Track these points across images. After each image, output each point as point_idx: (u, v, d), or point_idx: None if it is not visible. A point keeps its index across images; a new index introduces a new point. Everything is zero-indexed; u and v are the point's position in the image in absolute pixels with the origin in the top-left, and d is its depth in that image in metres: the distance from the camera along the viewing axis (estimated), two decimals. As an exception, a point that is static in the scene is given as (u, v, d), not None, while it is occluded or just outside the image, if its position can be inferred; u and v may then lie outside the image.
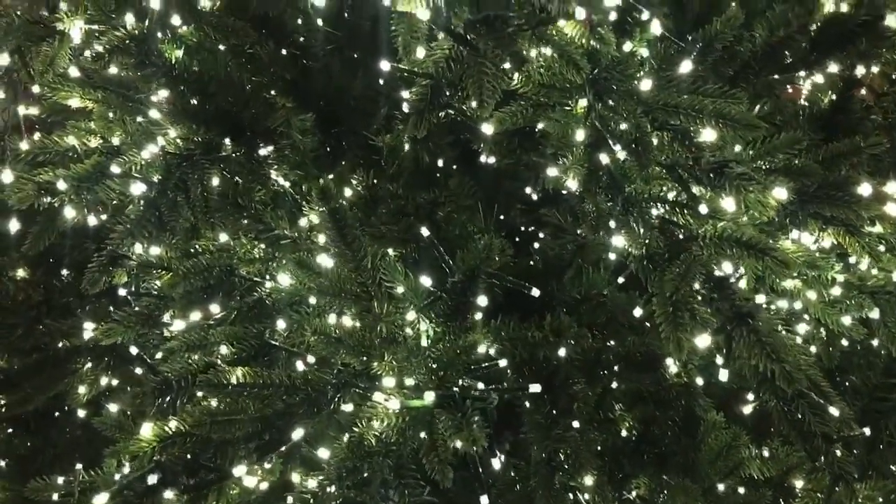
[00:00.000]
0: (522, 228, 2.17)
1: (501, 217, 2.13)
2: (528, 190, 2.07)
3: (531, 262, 2.00)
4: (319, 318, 1.54)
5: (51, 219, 1.98)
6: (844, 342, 2.41)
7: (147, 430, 1.36)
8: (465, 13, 1.39)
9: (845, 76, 2.37)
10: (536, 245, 2.08)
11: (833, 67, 2.30)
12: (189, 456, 1.35)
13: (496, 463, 1.28)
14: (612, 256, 1.70)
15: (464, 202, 2.09)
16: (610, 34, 1.54)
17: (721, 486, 2.03)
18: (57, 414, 2.45)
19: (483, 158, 2.09)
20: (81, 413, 2.26)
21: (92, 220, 1.94)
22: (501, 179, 2.19)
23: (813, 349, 2.37)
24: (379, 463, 1.38)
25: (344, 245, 1.46)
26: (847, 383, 2.46)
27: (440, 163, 2.18)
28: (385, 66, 1.60)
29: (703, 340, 1.59)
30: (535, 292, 1.56)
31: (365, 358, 1.42)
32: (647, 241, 1.50)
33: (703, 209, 1.49)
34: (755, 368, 1.83)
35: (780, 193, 1.49)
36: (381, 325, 1.41)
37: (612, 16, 1.62)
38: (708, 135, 1.45)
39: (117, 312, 1.72)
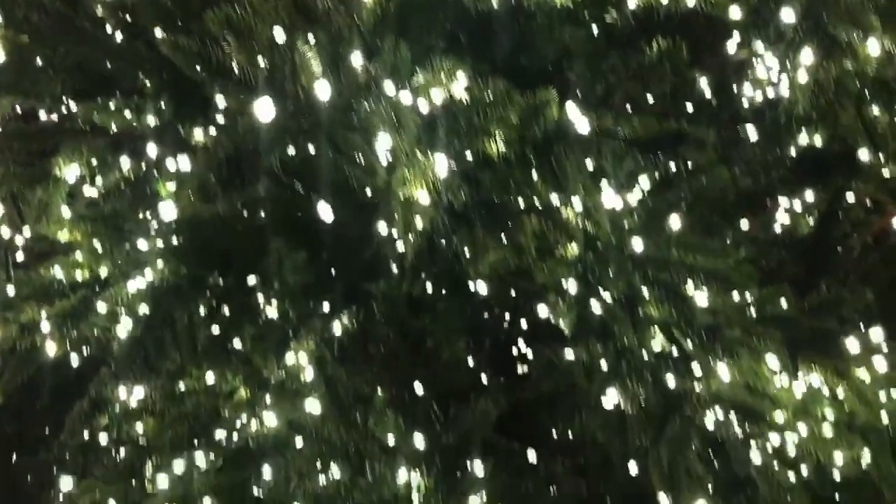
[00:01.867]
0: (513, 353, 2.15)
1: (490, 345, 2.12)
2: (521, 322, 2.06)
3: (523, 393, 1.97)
4: (307, 474, 1.49)
5: (31, 355, 1.94)
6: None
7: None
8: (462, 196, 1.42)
9: (824, 205, 2.44)
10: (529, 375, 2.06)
11: (810, 196, 2.38)
12: None
13: None
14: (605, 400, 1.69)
15: (452, 327, 2.09)
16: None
17: None
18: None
19: (472, 287, 2.10)
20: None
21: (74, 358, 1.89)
22: (491, 308, 2.19)
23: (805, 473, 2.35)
24: None
25: (331, 397, 1.43)
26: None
27: (429, 288, 2.19)
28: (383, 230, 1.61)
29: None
30: (532, 456, 1.54)
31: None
32: (641, 396, 1.49)
33: (697, 368, 1.49)
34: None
35: (774, 362, 1.50)
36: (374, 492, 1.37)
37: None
38: (700, 298, 1.47)
39: (98, 467, 1.66)
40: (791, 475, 1.98)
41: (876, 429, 1.97)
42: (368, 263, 1.81)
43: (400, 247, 1.63)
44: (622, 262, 1.57)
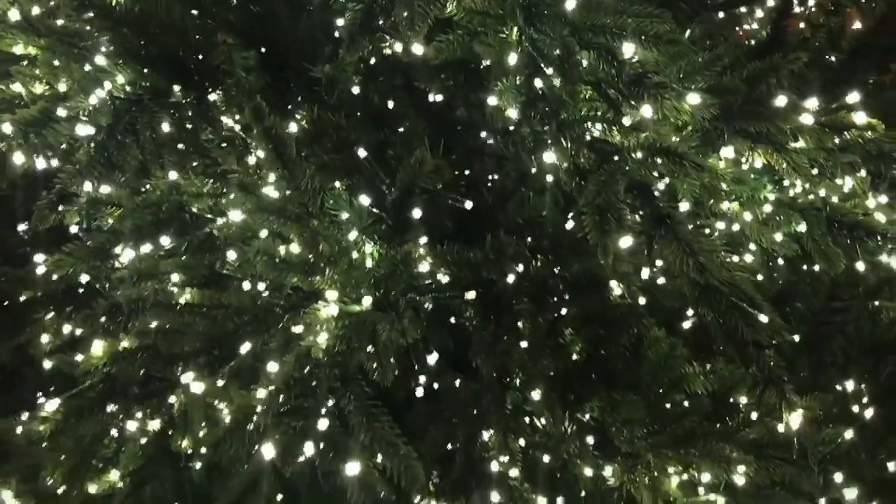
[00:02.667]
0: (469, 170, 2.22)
1: (452, 157, 2.18)
2: (480, 133, 2.12)
3: (478, 196, 2.06)
4: (266, 243, 1.59)
5: (0, 166, 2.00)
6: (785, 271, 2.53)
7: (97, 347, 1.41)
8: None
9: (780, 8, 2.44)
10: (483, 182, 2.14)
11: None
12: (140, 370, 1.41)
13: (432, 359, 1.35)
14: (550, 179, 1.77)
15: (413, 143, 2.15)
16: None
17: (667, 404, 2.13)
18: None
19: (431, 98, 2.14)
20: (47, 365, 2.30)
21: (42, 165, 1.96)
22: (450, 122, 2.24)
23: (759, 277, 2.49)
24: (326, 373, 1.44)
25: (284, 167, 1.51)
26: (791, 310, 2.58)
27: (391, 105, 2.23)
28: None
29: (626, 242, 1.67)
30: (468, 204, 1.63)
31: (309, 278, 1.48)
32: (574, 154, 1.56)
33: (627, 121, 1.55)
34: (691, 283, 1.92)
35: (695, 99, 1.56)
36: (323, 244, 1.47)
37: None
38: (630, 51, 1.51)
39: (68, 245, 1.76)
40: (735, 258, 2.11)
41: (814, 207, 2.07)
42: (318, 54, 1.84)
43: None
44: (559, 30, 1.61)
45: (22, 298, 2.28)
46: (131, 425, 2.05)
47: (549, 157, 1.62)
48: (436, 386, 2.20)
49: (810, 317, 2.58)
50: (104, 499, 2.20)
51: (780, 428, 1.98)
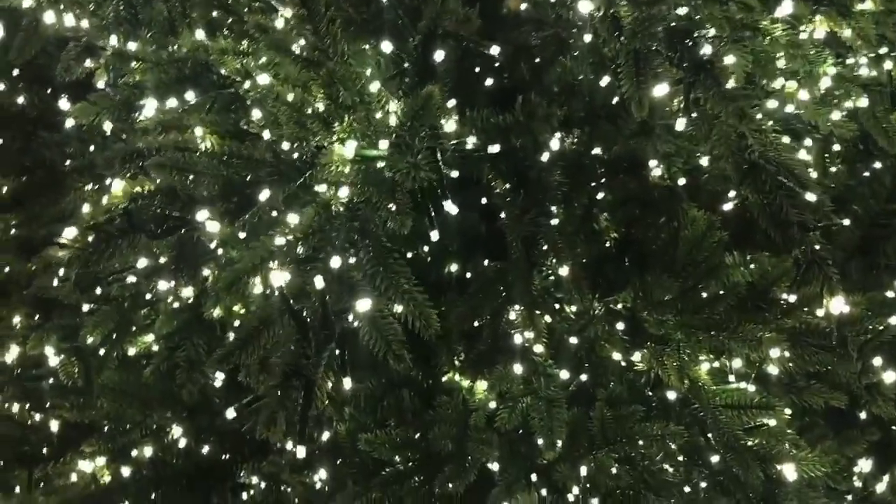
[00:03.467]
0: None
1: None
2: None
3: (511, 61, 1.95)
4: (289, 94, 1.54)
5: (33, 27, 1.99)
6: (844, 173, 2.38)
7: (118, 187, 1.41)
8: None
9: None
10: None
11: None
12: (158, 210, 1.41)
13: (450, 206, 1.31)
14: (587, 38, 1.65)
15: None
16: None
17: (702, 292, 2.06)
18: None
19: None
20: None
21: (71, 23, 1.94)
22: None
23: (813, 174, 2.35)
24: (345, 225, 1.42)
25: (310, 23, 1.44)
26: (847, 212, 2.44)
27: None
28: None
29: (662, 90, 1.56)
30: (495, 49, 1.54)
31: (330, 128, 1.43)
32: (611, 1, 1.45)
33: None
34: (735, 163, 1.82)
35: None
36: (343, 93, 1.41)
37: None
38: None
39: (92, 94, 1.75)
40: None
41: (878, 83, 1.92)
42: None
43: None
44: None
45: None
46: (163, 287, 2.10)
47: (585, 5, 1.51)
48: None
49: (867, 219, 2.45)
50: (140, 359, 2.28)
51: (820, 313, 1.90)
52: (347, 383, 1.24)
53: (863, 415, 2.25)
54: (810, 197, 1.77)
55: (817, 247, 1.79)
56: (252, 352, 1.19)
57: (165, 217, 1.38)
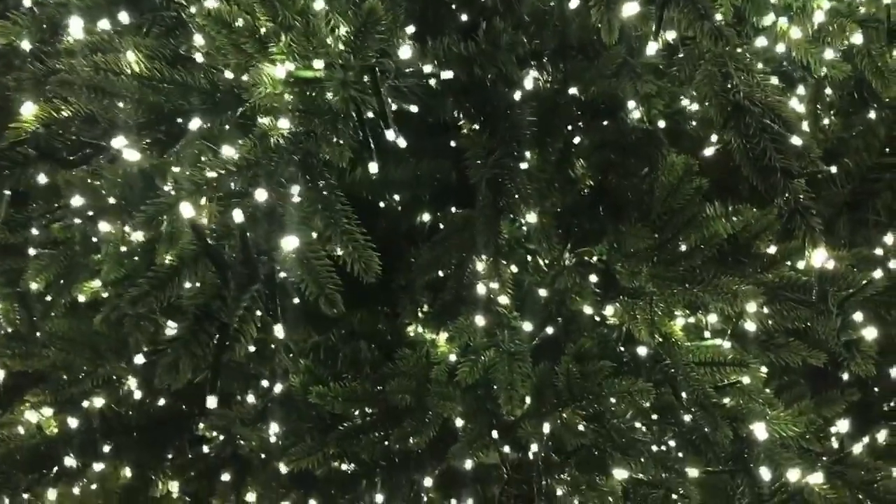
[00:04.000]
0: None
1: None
2: None
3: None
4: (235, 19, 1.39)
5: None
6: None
7: (28, 109, 1.27)
8: None
9: None
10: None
11: None
12: (73, 136, 1.28)
13: (391, 134, 1.19)
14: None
15: None
16: None
17: (680, 244, 1.95)
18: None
19: None
20: None
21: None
22: None
23: (805, 126, 2.22)
24: (285, 158, 1.29)
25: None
26: (839, 165, 2.33)
27: None
28: None
29: (632, 9, 1.42)
30: None
31: (266, 48, 1.29)
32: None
33: None
34: (719, 104, 1.69)
35: None
36: (283, 12, 1.27)
37: None
38: None
39: (12, 11, 1.59)
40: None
41: (875, 18, 1.78)
42: None
43: None
44: None
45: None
46: (105, 228, 1.97)
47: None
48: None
49: (859, 173, 2.33)
50: (91, 306, 2.17)
51: (801, 266, 1.79)
52: (280, 332, 1.13)
53: (845, 375, 2.19)
54: (796, 141, 1.64)
55: (801, 196, 1.67)
56: (167, 293, 1.08)
57: (81, 143, 1.25)
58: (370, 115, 1.20)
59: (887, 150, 2.34)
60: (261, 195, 1.20)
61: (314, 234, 1.22)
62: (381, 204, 2.09)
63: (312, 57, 1.23)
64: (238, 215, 1.09)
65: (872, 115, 2.36)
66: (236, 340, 1.02)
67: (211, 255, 1.05)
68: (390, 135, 1.17)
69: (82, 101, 1.25)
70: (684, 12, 1.40)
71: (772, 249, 1.87)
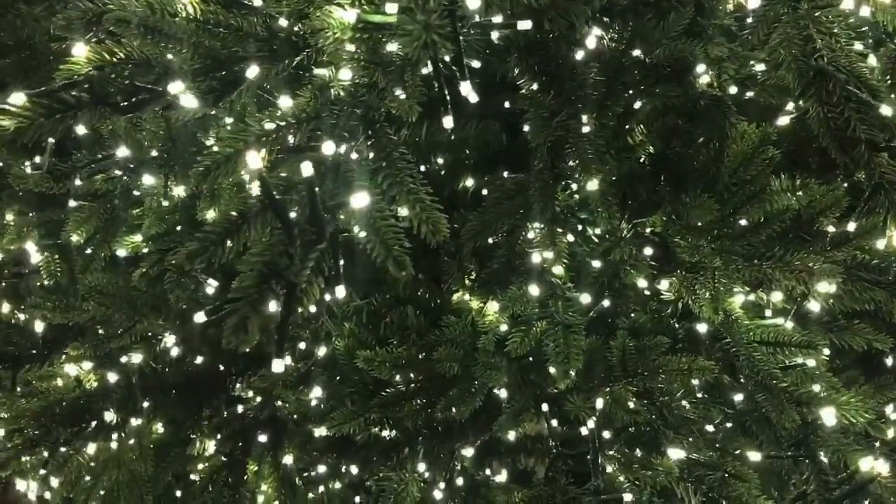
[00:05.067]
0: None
1: None
2: None
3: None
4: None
5: None
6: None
7: (80, 51, 1.21)
8: None
9: None
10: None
11: None
12: (126, 81, 1.21)
13: (465, 88, 1.10)
14: None
15: None
16: None
17: (743, 217, 1.85)
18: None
19: None
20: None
21: None
22: None
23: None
24: (345, 112, 1.21)
25: None
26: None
27: None
28: None
29: None
30: None
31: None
32: None
33: None
34: (798, 70, 1.58)
35: None
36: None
37: None
38: None
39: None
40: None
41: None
42: None
43: None
44: None
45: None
46: (149, 182, 1.92)
47: None
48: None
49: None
50: (132, 261, 2.13)
51: (881, 246, 1.69)
52: (341, 292, 1.07)
53: (889, 360, 2.09)
54: (885, 111, 1.53)
55: (884, 170, 1.56)
56: (229, 250, 1.02)
57: (135, 88, 1.19)
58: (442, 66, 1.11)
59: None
60: (327, 148, 1.12)
61: (378, 194, 1.15)
62: (423, 168, 2.02)
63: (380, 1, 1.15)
64: (306, 169, 1.02)
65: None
66: (300, 302, 0.97)
67: (276, 210, 0.99)
68: (465, 88, 1.08)
69: (136, 44, 1.18)
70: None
71: (850, 227, 1.77)
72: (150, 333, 2.21)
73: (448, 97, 1.08)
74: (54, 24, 1.28)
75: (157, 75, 1.21)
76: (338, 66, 1.25)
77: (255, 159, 1.02)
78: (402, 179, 1.16)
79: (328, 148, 1.10)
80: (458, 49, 1.07)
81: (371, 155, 1.19)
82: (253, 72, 1.27)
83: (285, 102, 1.26)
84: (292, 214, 1.03)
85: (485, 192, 2.04)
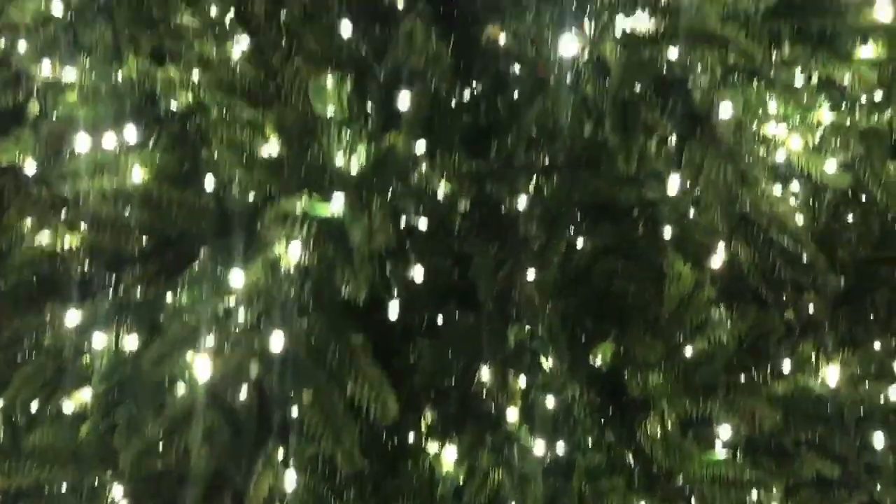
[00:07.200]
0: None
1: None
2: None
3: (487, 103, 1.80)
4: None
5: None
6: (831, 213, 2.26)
7: (34, 241, 1.22)
8: None
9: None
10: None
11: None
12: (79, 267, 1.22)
13: (411, 272, 1.15)
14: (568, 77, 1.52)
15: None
16: None
17: (687, 350, 1.92)
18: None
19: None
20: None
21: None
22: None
23: (800, 219, 2.22)
24: (297, 287, 1.25)
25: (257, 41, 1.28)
26: (832, 257, 2.32)
27: None
28: None
29: (651, 147, 1.43)
30: (466, 94, 1.39)
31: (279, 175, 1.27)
32: (597, 42, 1.31)
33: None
34: (725, 214, 1.69)
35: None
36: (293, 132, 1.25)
37: None
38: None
39: (14, 129, 1.56)
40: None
41: (875, 131, 1.80)
42: None
43: None
44: None
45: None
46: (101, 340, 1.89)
47: (568, 45, 1.36)
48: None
49: (854, 266, 2.33)
50: (77, 419, 2.07)
51: (814, 383, 1.76)
52: (290, 477, 1.06)
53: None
54: (804, 254, 1.64)
55: (812, 310, 1.66)
56: (172, 449, 1.01)
57: (86, 278, 1.20)
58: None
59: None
60: (275, 334, 1.14)
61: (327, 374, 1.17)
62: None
63: (328, 187, 1.21)
64: (253, 367, 1.04)
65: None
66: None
67: (224, 410, 0.99)
68: (412, 272, 1.13)
69: (93, 231, 1.21)
70: (704, 150, 1.40)
71: (780, 361, 1.84)
72: (95, 487, 2.11)
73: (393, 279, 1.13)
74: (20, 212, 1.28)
75: (107, 262, 1.23)
76: (288, 241, 1.30)
77: (205, 368, 1.03)
78: (353, 360, 1.18)
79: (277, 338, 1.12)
80: (398, 236, 1.12)
81: (320, 333, 1.22)
82: (204, 250, 1.30)
83: (235, 279, 1.29)
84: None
85: (439, 321, 2.07)
